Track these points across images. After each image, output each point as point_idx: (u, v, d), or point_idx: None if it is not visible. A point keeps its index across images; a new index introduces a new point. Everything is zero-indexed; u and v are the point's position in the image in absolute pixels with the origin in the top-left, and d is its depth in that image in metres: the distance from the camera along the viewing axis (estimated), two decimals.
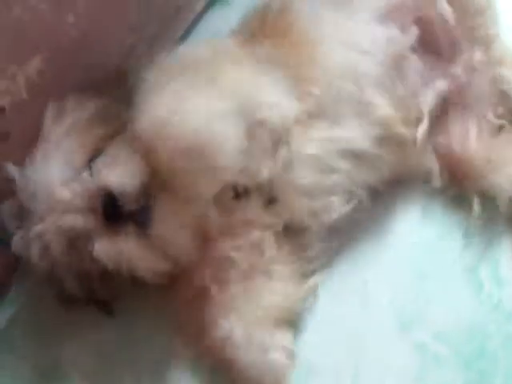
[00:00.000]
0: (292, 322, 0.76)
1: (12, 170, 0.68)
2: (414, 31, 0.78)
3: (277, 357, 0.71)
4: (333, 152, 0.73)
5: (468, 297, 0.78)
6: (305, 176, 0.72)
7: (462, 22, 0.79)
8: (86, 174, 0.67)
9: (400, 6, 0.79)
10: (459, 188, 0.81)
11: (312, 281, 0.77)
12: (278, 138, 0.70)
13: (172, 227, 0.69)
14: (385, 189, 0.79)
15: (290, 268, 0.76)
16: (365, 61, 0.75)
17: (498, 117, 0.81)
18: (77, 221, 0.66)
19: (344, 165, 0.74)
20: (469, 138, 0.80)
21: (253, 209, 0.73)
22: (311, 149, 0.72)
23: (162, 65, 0.70)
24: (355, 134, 0.74)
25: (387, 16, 0.78)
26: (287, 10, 0.77)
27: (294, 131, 0.72)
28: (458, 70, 0.80)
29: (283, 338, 0.73)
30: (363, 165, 0.75)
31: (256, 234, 0.73)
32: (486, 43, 0.81)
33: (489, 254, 0.79)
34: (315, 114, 0.73)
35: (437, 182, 0.80)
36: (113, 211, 0.65)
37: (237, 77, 0.69)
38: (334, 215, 0.75)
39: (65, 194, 0.66)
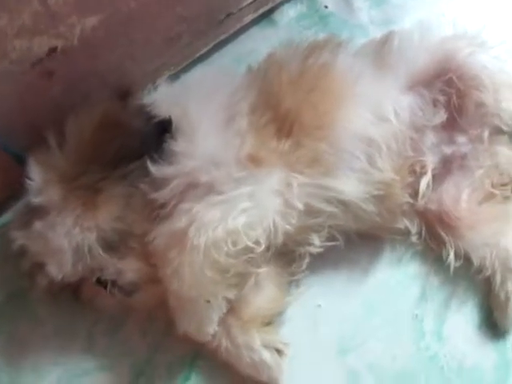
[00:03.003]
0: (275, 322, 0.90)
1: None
2: (442, 114, 0.91)
3: (268, 356, 0.85)
4: (320, 197, 0.86)
5: (408, 342, 0.91)
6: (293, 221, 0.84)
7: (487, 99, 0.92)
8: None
9: (433, 77, 0.92)
10: (434, 242, 0.93)
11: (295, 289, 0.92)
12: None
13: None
14: (360, 239, 0.92)
15: (277, 279, 0.90)
16: (382, 127, 0.88)
17: (493, 186, 0.94)
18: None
19: (329, 208, 0.86)
20: (461, 198, 0.93)
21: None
22: (300, 197, 0.84)
23: None
24: (349, 188, 0.86)
25: (418, 85, 0.91)
26: (326, 59, 0.90)
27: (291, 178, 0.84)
28: (466, 140, 0.94)
29: (272, 338, 0.87)
30: (349, 212, 0.88)
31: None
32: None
33: (439, 310, 0.92)
34: (314, 164, 0.85)
35: (414, 237, 0.94)
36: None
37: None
38: (314, 249, 0.89)
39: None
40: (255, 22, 1.09)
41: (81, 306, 0.87)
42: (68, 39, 0.84)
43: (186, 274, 0.78)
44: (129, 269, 0.82)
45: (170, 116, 0.83)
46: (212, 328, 0.82)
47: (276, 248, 0.86)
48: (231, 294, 0.82)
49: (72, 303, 0.87)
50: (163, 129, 0.83)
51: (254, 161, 0.82)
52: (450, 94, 0.92)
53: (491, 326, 0.92)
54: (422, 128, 0.91)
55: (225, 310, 0.83)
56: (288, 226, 0.83)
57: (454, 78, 0.91)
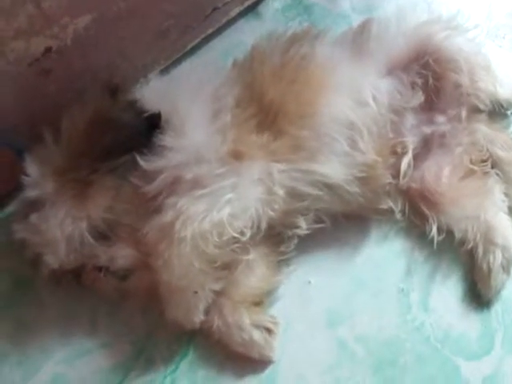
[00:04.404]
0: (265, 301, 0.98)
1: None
2: (419, 96, 0.99)
3: (257, 335, 0.93)
4: (304, 182, 0.93)
5: (395, 314, 0.98)
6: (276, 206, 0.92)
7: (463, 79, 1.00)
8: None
9: (410, 61, 1.00)
10: (418, 219, 1.01)
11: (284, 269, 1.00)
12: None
13: None
14: (346, 219, 1.00)
15: (267, 259, 0.98)
16: (362, 112, 0.95)
17: (472, 163, 1.02)
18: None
19: (314, 192, 0.94)
20: (442, 174, 1.01)
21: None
22: (283, 183, 0.91)
23: None
24: (333, 171, 0.93)
25: (396, 69, 0.99)
26: (306, 50, 0.98)
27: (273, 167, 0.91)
28: (444, 119, 1.02)
29: (261, 318, 0.95)
30: (334, 195, 0.95)
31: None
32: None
33: (424, 283, 1.00)
34: (297, 150, 0.93)
35: (398, 215, 1.01)
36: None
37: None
38: (301, 231, 0.97)
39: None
40: (241, 15, 1.18)
41: (83, 290, 0.95)
42: (62, 39, 0.93)
43: (175, 265, 0.86)
44: (120, 255, 0.90)
45: (159, 111, 0.91)
46: (198, 318, 0.90)
47: (264, 232, 0.93)
48: (218, 287, 0.90)
49: (75, 288, 0.96)
50: (153, 123, 0.90)
51: (236, 155, 0.90)
52: (427, 76, 1.00)
53: (475, 297, 0.99)
54: (401, 110, 0.99)
55: (210, 301, 0.91)
56: (272, 213, 0.90)
57: (431, 60, 0.99)
